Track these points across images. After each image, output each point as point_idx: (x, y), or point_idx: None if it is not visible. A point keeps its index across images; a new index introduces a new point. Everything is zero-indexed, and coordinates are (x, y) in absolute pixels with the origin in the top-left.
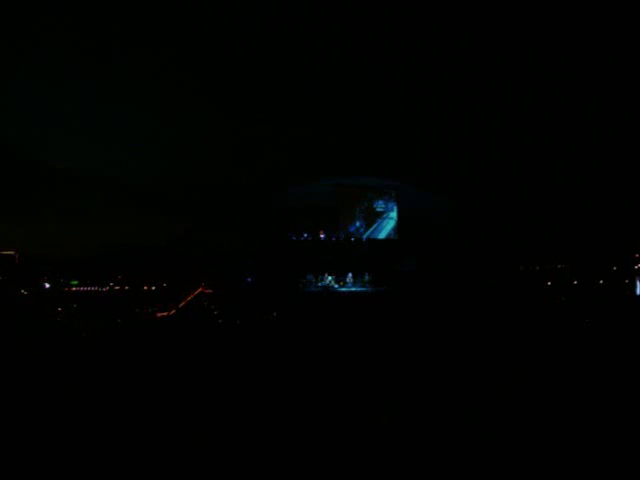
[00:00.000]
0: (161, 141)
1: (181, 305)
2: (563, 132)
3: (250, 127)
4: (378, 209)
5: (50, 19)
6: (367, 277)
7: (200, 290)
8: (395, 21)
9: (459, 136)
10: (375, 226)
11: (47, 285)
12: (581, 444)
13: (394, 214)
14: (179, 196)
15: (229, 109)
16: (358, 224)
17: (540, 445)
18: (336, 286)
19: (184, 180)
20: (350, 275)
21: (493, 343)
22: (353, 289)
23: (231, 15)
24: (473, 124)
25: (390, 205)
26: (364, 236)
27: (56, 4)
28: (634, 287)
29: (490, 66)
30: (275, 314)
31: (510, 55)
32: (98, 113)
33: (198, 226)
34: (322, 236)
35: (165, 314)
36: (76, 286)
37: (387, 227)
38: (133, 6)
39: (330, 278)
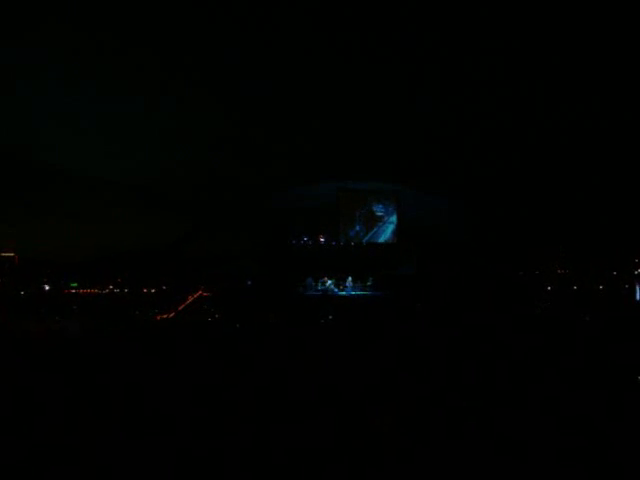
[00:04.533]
0: (159, 143)
1: (180, 308)
2: (566, 136)
3: (252, 129)
4: (378, 213)
5: (55, 20)
6: (369, 281)
7: (200, 293)
8: (397, 23)
9: (461, 140)
10: (375, 230)
11: (47, 287)
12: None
13: (394, 218)
14: (178, 197)
15: (231, 112)
16: (358, 228)
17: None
18: (336, 290)
19: (183, 182)
20: (350, 279)
21: (489, 346)
22: (352, 293)
23: (238, 16)
24: (475, 128)
25: (390, 209)
26: (364, 240)
27: (58, 5)
28: (634, 292)
29: (496, 69)
30: (274, 317)
31: (514, 57)
32: (98, 115)
33: (198, 228)
34: (322, 240)
35: (165, 317)
36: (76, 288)
37: (387, 231)
38: (140, 8)
39: (330, 282)
